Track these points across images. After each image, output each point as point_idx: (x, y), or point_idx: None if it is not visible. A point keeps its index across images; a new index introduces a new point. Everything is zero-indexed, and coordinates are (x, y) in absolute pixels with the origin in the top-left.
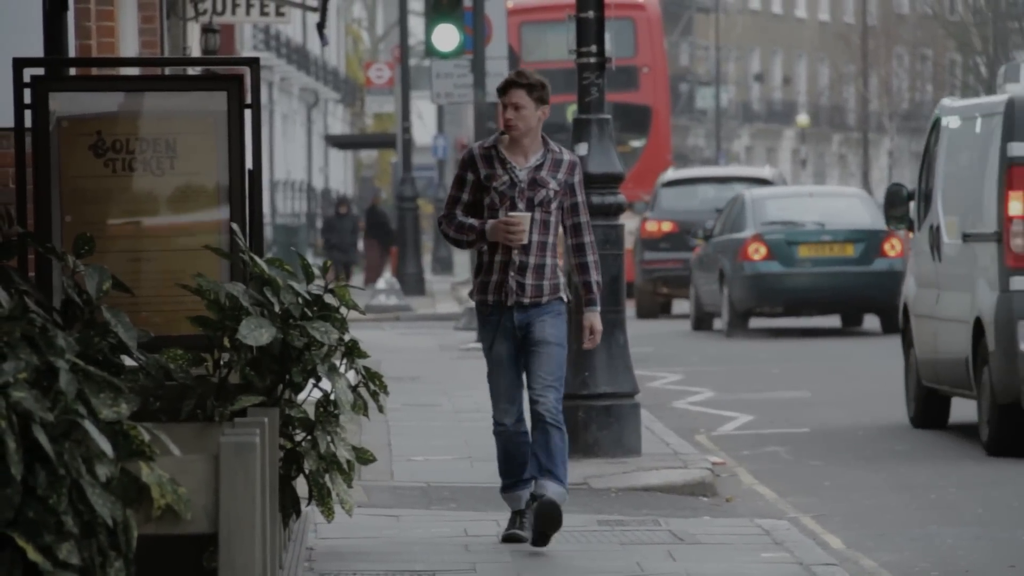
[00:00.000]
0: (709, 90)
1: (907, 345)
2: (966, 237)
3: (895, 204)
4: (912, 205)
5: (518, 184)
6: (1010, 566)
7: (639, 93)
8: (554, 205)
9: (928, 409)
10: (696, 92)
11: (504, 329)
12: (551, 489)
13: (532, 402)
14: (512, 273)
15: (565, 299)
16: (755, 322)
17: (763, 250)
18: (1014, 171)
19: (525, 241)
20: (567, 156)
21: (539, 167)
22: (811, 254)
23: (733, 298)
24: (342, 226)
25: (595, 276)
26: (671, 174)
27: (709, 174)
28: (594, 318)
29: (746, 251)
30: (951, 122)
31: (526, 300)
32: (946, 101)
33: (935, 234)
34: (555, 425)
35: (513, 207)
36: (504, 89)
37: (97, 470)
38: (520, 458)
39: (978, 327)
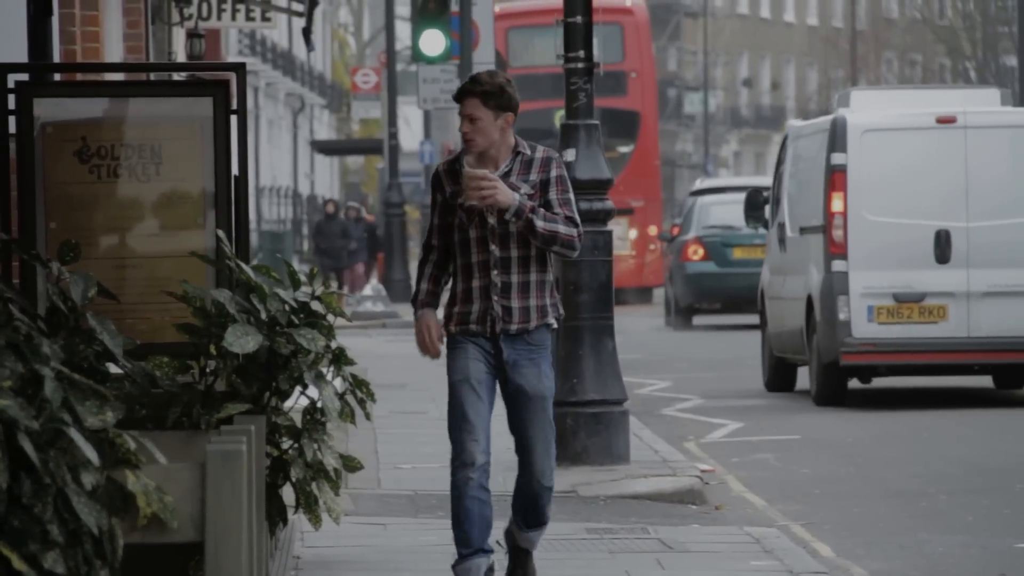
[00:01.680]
0: (697, 95)
1: (763, 323)
2: (802, 230)
3: (754, 207)
4: (768, 208)
5: None
6: (1000, 574)
7: (627, 98)
8: None
9: (779, 375)
10: (684, 97)
11: (485, 354)
12: (535, 539)
13: (528, 464)
14: (496, 297)
15: (553, 323)
16: (739, 320)
17: (701, 251)
18: (835, 176)
19: (497, 197)
20: (539, 153)
21: (507, 174)
22: (744, 256)
23: (676, 295)
24: (330, 230)
25: (545, 219)
26: (699, 183)
27: (736, 183)
28: (504, 198)
29: (686, 252)
30: (795, 139)
31: (513, 327)
32: (792, 122)
33: (782, 229)
34: (550, 488)
35: (483, 223)
36: (458, 98)
37: (83, 478)
38: (481, 523)
39: (809, 303)
